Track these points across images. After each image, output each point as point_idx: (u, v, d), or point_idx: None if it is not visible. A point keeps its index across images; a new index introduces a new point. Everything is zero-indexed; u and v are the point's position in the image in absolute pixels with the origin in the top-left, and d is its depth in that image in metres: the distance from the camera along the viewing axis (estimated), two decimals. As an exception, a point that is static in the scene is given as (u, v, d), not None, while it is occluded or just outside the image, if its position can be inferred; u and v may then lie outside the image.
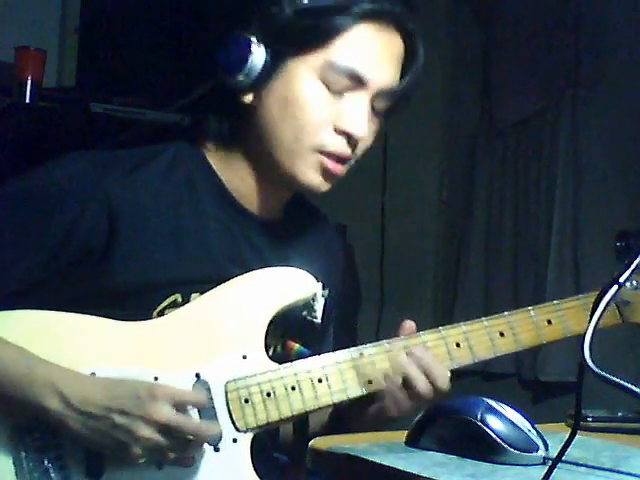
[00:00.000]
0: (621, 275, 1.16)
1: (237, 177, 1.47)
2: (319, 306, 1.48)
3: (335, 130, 1.42)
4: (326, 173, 1.43)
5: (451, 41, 3.67)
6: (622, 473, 1.26)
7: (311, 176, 1.43)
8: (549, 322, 1.47)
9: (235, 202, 1.46)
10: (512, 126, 3.66)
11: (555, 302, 1.48)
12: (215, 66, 1.44)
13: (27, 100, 3.30)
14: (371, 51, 1.42)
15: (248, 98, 1.43)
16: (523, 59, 3.60)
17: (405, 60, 1.46)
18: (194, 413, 1.32)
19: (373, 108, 1.44)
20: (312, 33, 1.40)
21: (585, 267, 3.39)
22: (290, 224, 1.53)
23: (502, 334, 1.45)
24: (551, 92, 3.52)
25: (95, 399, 1.27)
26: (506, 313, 1.46)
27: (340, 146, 1.42)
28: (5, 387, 1.28)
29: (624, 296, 1.49)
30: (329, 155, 1.42)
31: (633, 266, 1.18)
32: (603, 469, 1.28)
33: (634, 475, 1.25)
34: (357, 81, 1.41)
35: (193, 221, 1.42)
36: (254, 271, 1.41)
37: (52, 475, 1.29)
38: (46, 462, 1.29)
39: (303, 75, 1.41)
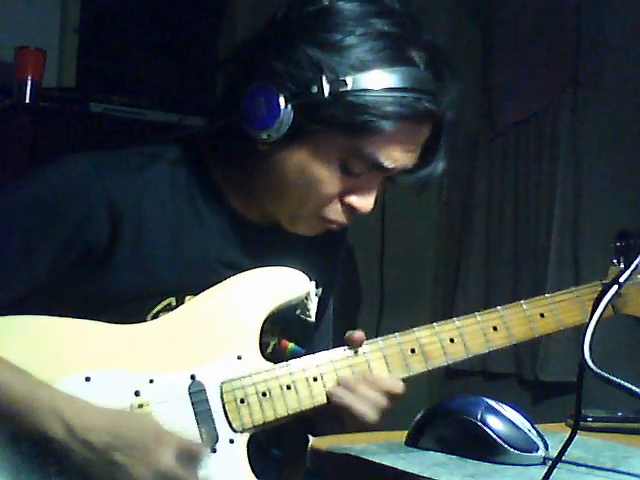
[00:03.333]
0: (621, 275, 1.16)
1: (235, 189, 1.45)
2: (312, 305, 1.49)
3: (342, 202, 1.40)
4: (322, 230, 1.44)
5: (451, 41, 3.67)
6: (622, 473, 1.26)
7: (306, 232, 1.44)
8: (542, 315, 1.48)
9: (231, 209, 1.45)
10: (512, 126, 3.66)
11: (547, 296, 1.49)
12: (235, 105, 1.38)
13: (27, 100, 3.30)
14: (401, 147, 1.37)
15: (262, 147, 1.38)
16: (523, 59, 3.60)
17: (428, 141, 1.42)
18: (189, 414, 1.33)
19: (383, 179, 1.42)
20: (349, 123, 1.34)
21: (585, 267, 3.39)
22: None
23: (495, 328, 1.45)
24: (551, 92, 3.52)
25: (99, 431, 1.25)
26: (499, 308, 1.46)
27: (343, 217, 1.42)
28: (6, 414, 1.25)
29: (617, 288, 1.49)
30: (329, 221, 1.42)
31: (633, 266, 1.18)
32: (603, 469, 1.28)
33: (634, 475, 1.25)
34: (377, 168, 1.38)
35: (191, 226, 1.42)
36: (247, 271, 1.41)
37: (49, 481, 1.29)
38: (44, 468, 1.28)
39: (324, 153, 1.36)
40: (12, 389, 1.26)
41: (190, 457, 1.27)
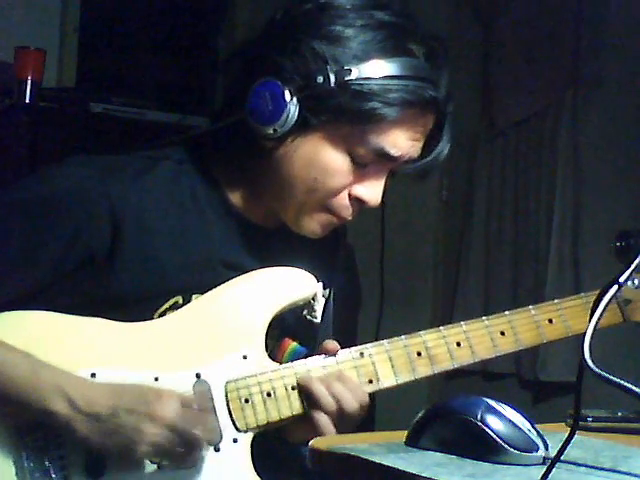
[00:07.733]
0: (621, 275, 1.16)
1: (238, 189, 1.46)
2: (319, 306, 1.49)
3: (349, 195, 1.42)
4: (327, 227, 1.45)
5: (451, 41, 3.67)
6: (622, 473, 1.26)
7: (312, 228, 1.44)
8: (550, 321, 1.47)
9: (236, 211, 1.46)
10: (512, 126, 3.66)
11: (556, 301, 1.48)
12: (241, 101, 1.39)
13: (27, 100, 3.30)
14: (406, 135, 1.40)
15: (268, 144, 1.40)
16: (523, 59, 3.60)
17: (431, 131, 1.44)
18: None
19: (389, 172, 1.44)
20: (353, 112, 1.36)
21: (585, 267, 3.39)
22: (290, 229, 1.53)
23: (503, 333, 1.45)
24: (551, 92, 3.52)
25: (101, 400, 1.27)
26: (507, 312, 1.46)
27: (349, 210, 1.43)
28: (10, 391, 1.27)
29: (626, 295, 1.49)
30: (335, 214, 1.43)
31: (633, 266, 1.17)
32: (603, 469, 1.28)
33: (634, 475, 1.24)
34: (384, 158, 1.40)
35: (195, 228, 1.42)
36: (254, 271, 1.41)
37: (53, 475, 1.29)
38: (47, 462, 1.29)
39: (332, 143, 1.38)
40: (17, 368, 1.28)
41: (194, 407, 1.28)
